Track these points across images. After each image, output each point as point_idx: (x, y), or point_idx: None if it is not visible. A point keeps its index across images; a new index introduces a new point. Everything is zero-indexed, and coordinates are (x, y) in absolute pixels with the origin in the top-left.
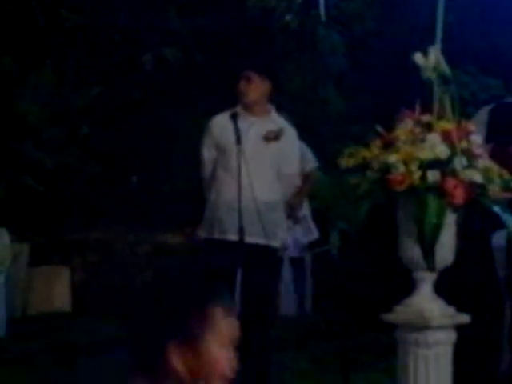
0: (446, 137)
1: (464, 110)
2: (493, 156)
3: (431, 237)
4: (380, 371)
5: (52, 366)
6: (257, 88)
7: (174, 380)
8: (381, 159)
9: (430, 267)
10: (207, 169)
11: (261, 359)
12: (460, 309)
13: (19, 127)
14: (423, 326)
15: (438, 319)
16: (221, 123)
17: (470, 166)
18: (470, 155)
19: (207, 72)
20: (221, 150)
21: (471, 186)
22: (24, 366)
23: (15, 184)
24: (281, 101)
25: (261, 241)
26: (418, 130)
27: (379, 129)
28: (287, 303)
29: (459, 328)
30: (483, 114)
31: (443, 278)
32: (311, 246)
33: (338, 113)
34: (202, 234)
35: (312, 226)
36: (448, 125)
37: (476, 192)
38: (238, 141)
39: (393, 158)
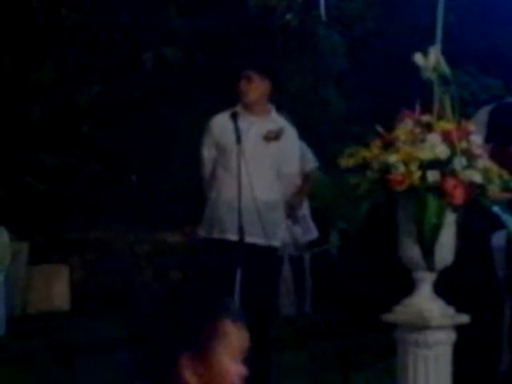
0: (446, 137)
1: (464, 110)
2: (492, 156)
3: (431, 237)
4: (379, 371)
5: (51, 364)
6: (257, 88)
7: None
8: (381, 159)
9: (430, 267)
10: (207, 168)
11: (260, 359)
12: (460, 309)
13: (19, 126)
14: (423, 326)
15: (437, 319)
16: (221, 123)
17: (470, 166)
18: (469, 155)
19: (207, 71)
20: (221, 149)
21: (471, 186)
22: (23, 364)
23: (15, 182)
24: (281, 101)
25: (261, 241)
26: (418, 130)
27: (379, 129)
28: (286, 303)
29: (459, 328)
30: (483, 114)
31: (443, 278)
32: (310, 245)
33: (338, 113)
34: (201, 233)
35: (311, 225)
36: (448, 125)
37: (475, 192)
38: (238, 140)
39: (393, 158)
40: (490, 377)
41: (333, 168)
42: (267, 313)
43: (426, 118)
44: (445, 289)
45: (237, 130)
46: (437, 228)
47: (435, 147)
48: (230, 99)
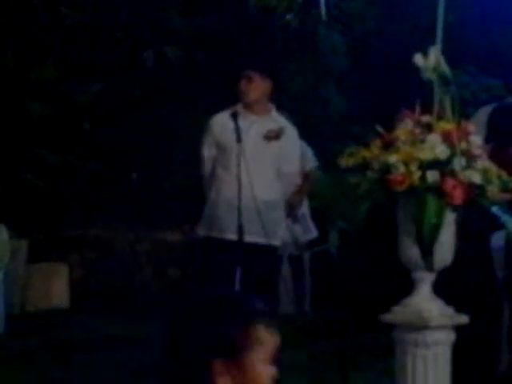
0: (446, 137)
1: (464, 111)
2: (492, 157)
3: (430, 237)
4: (378, 371)
5: (50, 362)
6: (257, 87)
7: None
8: (381, 159)
9: (429, 267)
10: (207, 167)
11: None
12: (459, 309)
13: (20, 123)
14: (422, 326)
15: (436, 319)
16: (221, 122)
17: (469, 166)
18: (469, 156)
19: (208, 71)
20: (221, 148)
21: (470, 186)
22: (22, 362)
23: (15, 180)
24: (281, 100)
25: (260, 240)
26: (418, 130)
27: (379, 129)
28: (286, 301)
29: (458, 328)
30: (483, 114)
31: (442, 278)
32: (310, 244)
33: (338, 112)
34: (200, 231)
35: (311, 224)
36: (448, 125)
37: (475, 193)
38: (239, 139)
39: (393, 158)
40: (489, 377)
41: (333, 167)
42: None
43: (426, 119)
44: (444, 289)
45: (237, 129)
46: (436, 228)
47: (435, 147)
48: (230, 98)
